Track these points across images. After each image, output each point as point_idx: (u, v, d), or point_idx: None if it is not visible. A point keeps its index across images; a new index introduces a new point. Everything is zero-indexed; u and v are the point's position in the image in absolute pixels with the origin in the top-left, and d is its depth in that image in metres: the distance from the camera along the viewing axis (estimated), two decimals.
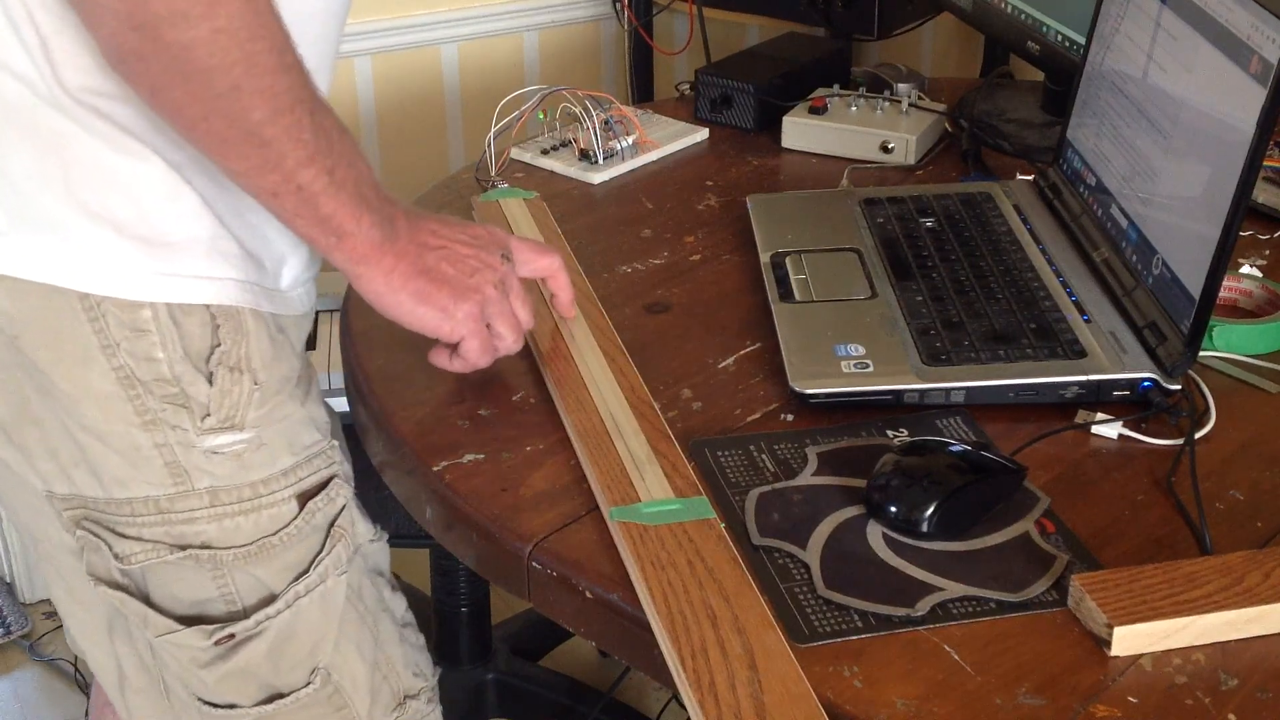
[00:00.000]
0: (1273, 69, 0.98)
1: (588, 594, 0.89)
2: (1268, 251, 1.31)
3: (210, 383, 0.90)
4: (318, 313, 1.80)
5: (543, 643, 2.06)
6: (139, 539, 0.93)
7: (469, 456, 1.01)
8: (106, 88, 0.83)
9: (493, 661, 1.90)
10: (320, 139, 0.85)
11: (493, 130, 1.46)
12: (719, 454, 1.00)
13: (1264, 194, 1.38)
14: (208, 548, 0.93)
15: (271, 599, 0.96)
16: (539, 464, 1.00)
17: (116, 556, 0.93)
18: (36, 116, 0.84)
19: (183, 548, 0.93)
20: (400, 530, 1.62)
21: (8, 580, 2.24)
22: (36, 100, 0.84)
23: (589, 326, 1.13)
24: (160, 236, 0.87)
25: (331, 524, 0.98)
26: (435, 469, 1.00)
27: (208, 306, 0.89)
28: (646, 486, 0.95)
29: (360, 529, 1.02)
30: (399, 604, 1.08)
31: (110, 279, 0.86)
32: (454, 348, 1.01)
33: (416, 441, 1.03)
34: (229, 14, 0.77)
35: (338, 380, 1.69)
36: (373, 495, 1.64)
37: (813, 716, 0.77)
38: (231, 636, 0.96)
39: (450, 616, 1.86)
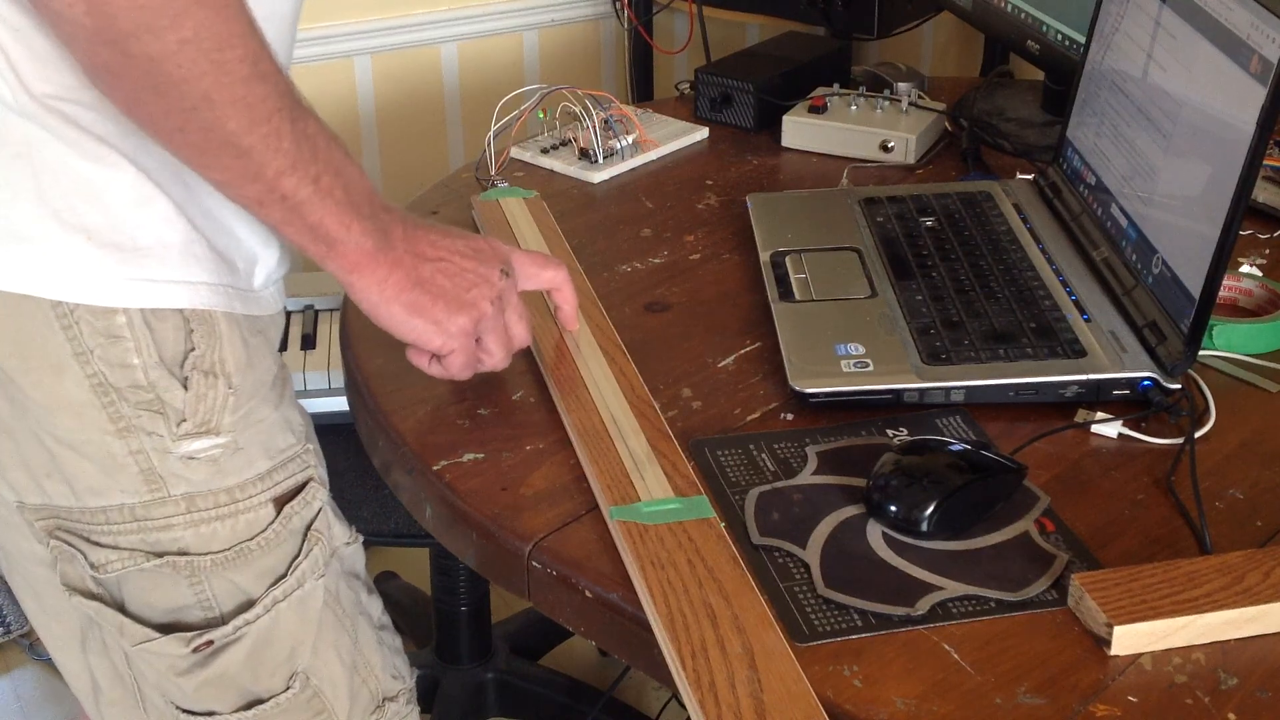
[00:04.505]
0: (1273, 68, 0.98)
1: (587, 593, 0.89)
2: (1268, 251, 1.31)
3: (185, 388, 0.89)
4: (316, 312, 1.81)
5: (543, 642, 2.06)
6: (115, 547, 0.92)
7: (469, 456, 1.01)
8: (73, 94, 0.83)
9: (493, 660, 1.90)
10: (302, 147, 0.84)
11: (492, 129, 1.46)
12: (719, 453, 1.00)
13: (1264, 193, 1.38)
14: (184, 554, 0.93)
15: (249, 604, 0.96)
16: (539, 463, 1.00)
17: (92, 566, 0.92)
18: (5, 125, 0.83)
19: (159, 555, 0.92)
20: (400, 530, 1.62)
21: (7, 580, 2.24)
22: (4, 109, 0.83)
23: (589, 326, 1.13)
24: (132, 242, 0.86)
25: (308, 528, 0.98)
26: (435, 468, 1.00)
27: (181, 311, 0.88)
28: (646, 486, 0.95)
29: (336, 532, 1.01)
30: (376, 606, 1.08)
31: (83, 286, 0.86)
32: (436, 355, 1.01)
33: (416, 441, 1.03)
34: (195, 25, 0.76)
35: (337, 380, 1.69)
36: (372, 495, 1.65)
37: (812, 716, 0.77)
38: (210, 643, 0.95)
39: (450, 616, 1.86)
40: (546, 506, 0.96)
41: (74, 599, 0.95)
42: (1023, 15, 1.57)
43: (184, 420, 0.90)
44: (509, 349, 1.03)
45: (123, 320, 0.87)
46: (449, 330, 0.97)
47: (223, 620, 0.95)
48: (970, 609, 0.86)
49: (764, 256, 1.25)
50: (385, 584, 2.13)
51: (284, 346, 1.75)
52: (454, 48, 2.36)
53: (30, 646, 2.14)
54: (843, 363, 1.07)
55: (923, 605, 0.86)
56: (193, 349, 0.89)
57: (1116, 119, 1.23)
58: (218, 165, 0.83)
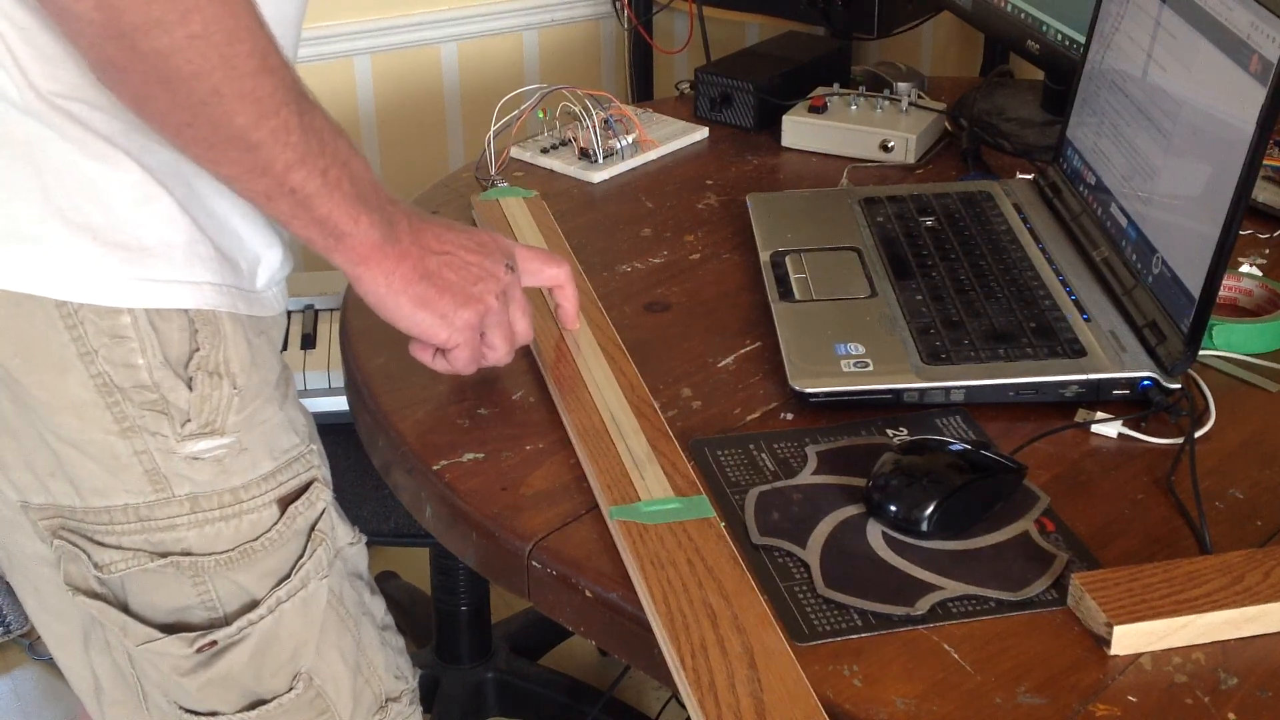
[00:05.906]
0: (1273, 68, 0.98)
1: (587, 593, 0.89)
2: (1268, 250, 1.31)
3: (190, 388, 0.89)
4: (317, 312, 1.81)
5: (542, 642, 2.06)
6: (118, 547, 0.92)
7: (469, 456, 1.01)
8: (79, 93, 0.83)
9: (492, 660, 1.90)
10: (310, 140, 0.84)
11: (492, 129, 1.46)
12: (719, 453, 1.00)
13: (1264, 193, 1.38)
14: (188, 555, 0.93)
15: (253, 605, 0.96)
16: (539, 463, 1.00)
17: (96, 565, 0.92)
18: (9, 123, 0.83)
19: (163, 555, 0.92)
20: (400, 530, 1.62)
21: (7, 580, 2.24)
22: (8, 107, 0.83)
23: (589, 325, 1.13)
24: (137, 242, 0.86)
25: (312, 528, 0.98)
26: (435, 468, 1.00)
27: (185, 311, 0.88)
28: (646, 485, 0.95)
29: (340, 532, 1.01)
30: (378, 607, 1.08)
31: (88, 286, 0.85)
32: (441, 349, 1.01)
33: (416, 441, 1.03)
34: (204, 19, 0.76)
35: (338, 380, 1.69)
36: (372, 495, 1.65)
37: (812, 715, 0.77)
38: (213, 644, 0.95)
39: (450, 616, 1.86)
40: (546, 506, 0.96)
41: (77, 599, 0.95)
42: (1023, 15, 1.57)
43: (188, 420, 0.90)
44: (512, 344, 1.03)
45: (127, 320, 0.87)
46: (455, 324, 0.97)
47: (226, 621, 0.95)
48: (970, 609, 0.86)
49: (764, 256, 1.25)
50: (385, 584, 2.12)
51: (284, 346, 1.75)
52: (454, 48, 2.36)
53: (30, 646, 2.14)
54: (843, 362, 1.07)
55: (923, 605, 0.86)
56: (197, 349, 0.89)
57: (1116, 119, 1.23)
58: (226, 160, 0.83)
